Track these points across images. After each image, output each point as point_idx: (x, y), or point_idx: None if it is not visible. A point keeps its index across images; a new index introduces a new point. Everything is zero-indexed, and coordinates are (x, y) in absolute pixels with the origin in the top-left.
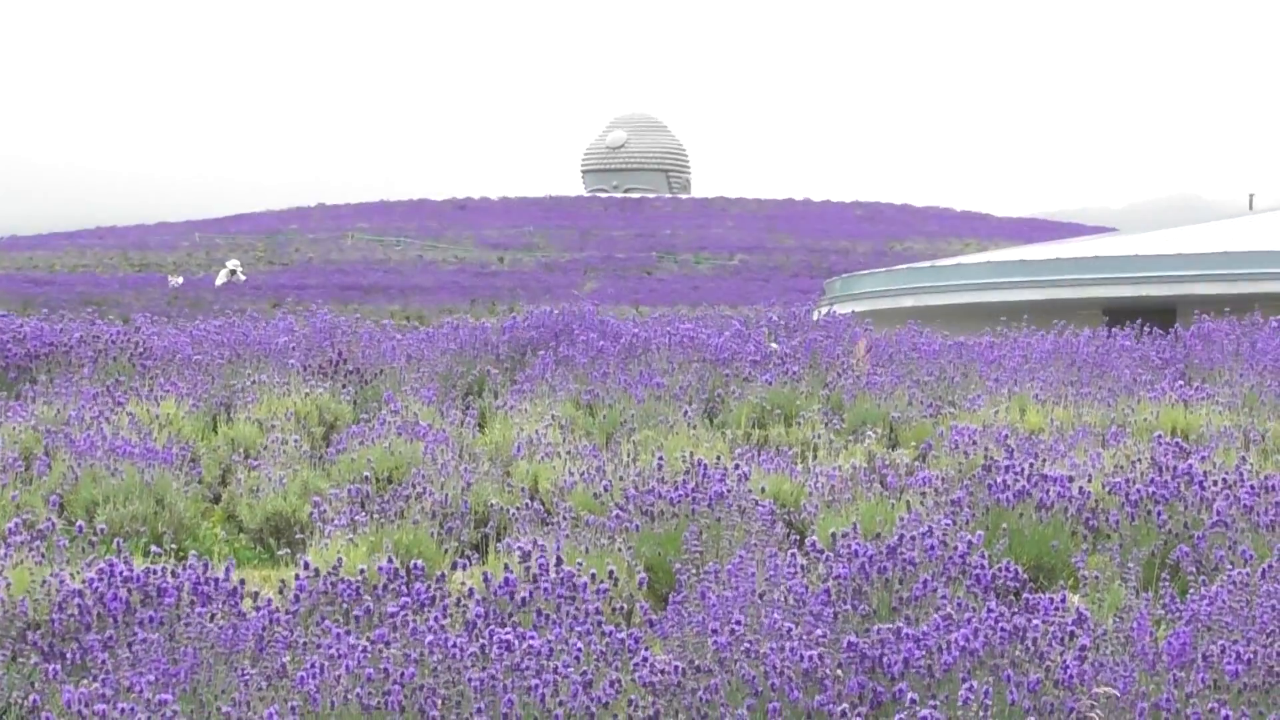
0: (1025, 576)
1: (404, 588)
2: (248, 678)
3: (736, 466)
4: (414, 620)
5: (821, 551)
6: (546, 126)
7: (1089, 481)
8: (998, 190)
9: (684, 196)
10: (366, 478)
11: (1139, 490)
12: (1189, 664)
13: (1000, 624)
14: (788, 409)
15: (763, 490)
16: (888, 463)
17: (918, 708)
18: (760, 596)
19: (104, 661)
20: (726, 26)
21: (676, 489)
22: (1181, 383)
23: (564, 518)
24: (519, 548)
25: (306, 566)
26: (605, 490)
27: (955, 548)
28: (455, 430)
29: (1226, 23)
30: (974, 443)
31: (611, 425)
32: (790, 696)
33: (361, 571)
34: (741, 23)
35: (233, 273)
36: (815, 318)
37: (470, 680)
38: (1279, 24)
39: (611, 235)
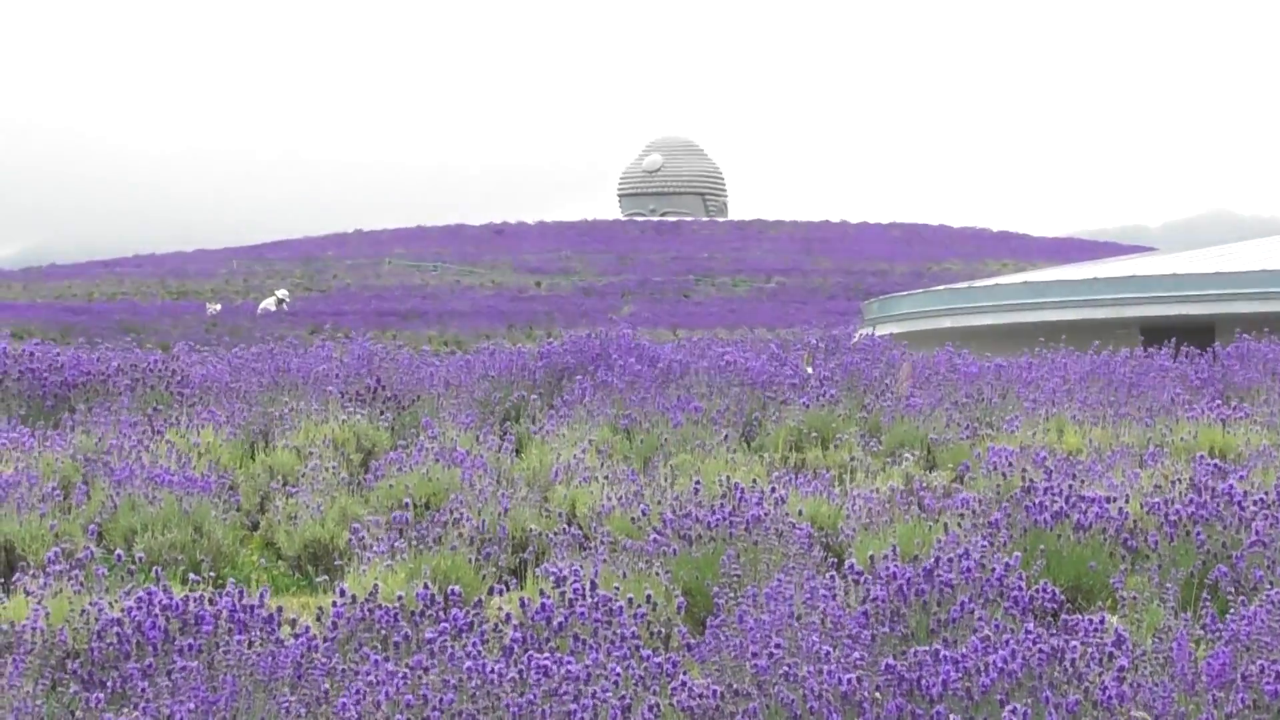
0: (1063, 598)
1: (442, 613)
2: (287, 705)
3: (774, 490)
4: (452, 646)
5: (860, 574)
6: (583, 151)
7: (1127, 502)
8: (1035, 210)
9: (721, 219)
10: (405, 504)
11: (1177, 510)
12: (1228, 684)
13: (1038, 645)
14: (825, 432)
15: (800, 513)
16: (925, 485)
17: None
18: (798, 620)
19: (144, 690)
20: (763, 49)
21: (714, 513)
22: (1220, 402)
23: (601, 542)
24: (555, 572)
25: (344, 593)
26: (643, 514)
27: (993, 569)
28: (493, 456)
29: (1260, 41)
30: (1011, 464)
31: (649, 449)
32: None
33: (399, 598)
34: (777, 45)
35: (280, 301)
36: (854, 339)
37: (508, 705)
38: None
39: (649, 259)
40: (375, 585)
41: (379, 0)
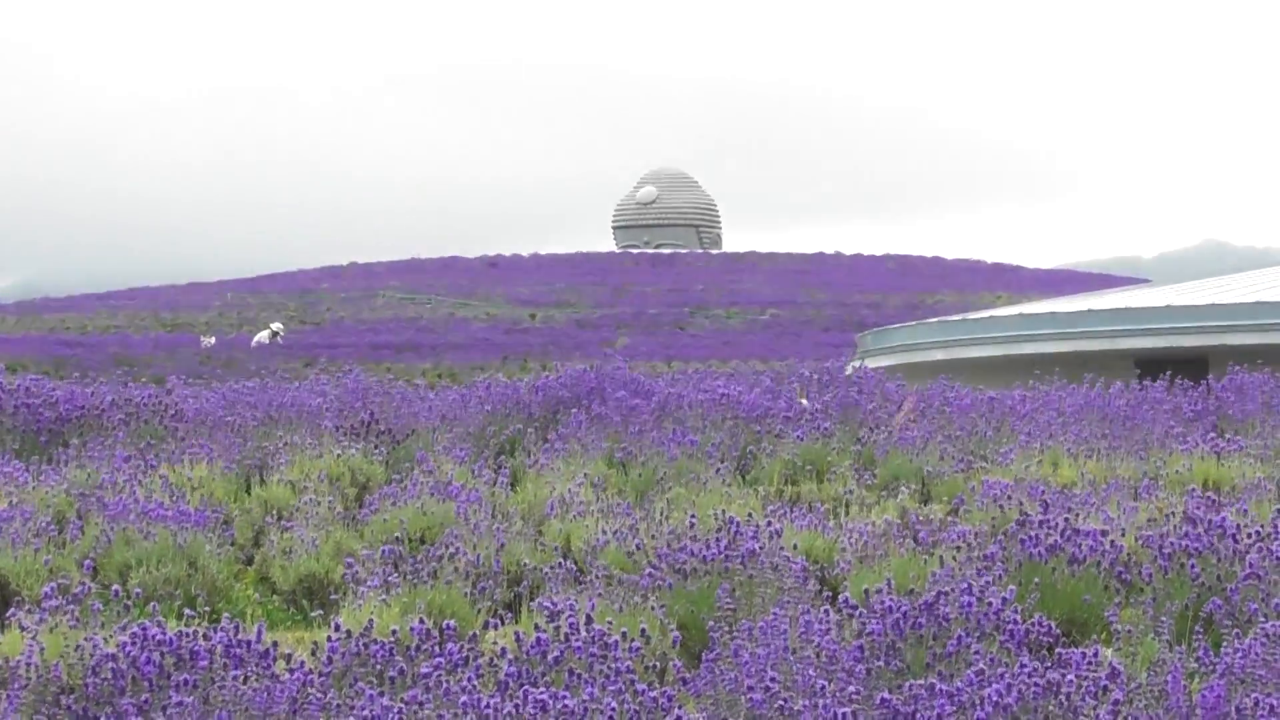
0: (1058, 631)
1: (437, 648)
2: None
3: (769, 523)
4: (447, 681)
5: (855, 608)
6: (577, 183)
7: (1121, 535)
8: (1029, 242)
9: (715, 252)
10: (399, 538)
11: (1172, 543)
12: (1223, 717)
13: (1034, 679)
14: (820, 465)
15: (795, 547)
16: (920, 518)
17: None
18: (793, 653)
19: None
20: (756, 81)
21: (709, 547)
22: (1214, 435)
23: (597, 576)
24: (550, 606)
25: (339, 628)
26: (638, 549)
27: (988, 603)
28: (488, 490)
29: (1254, 74)
30: (1007, 497)
31: (644, 483)
32: None
33: (394, 632)
34: (771, 78)
35: (274, 334)
36: (848, 371)
37: None
38: None
39: (643, 291)
40: (370, 620)
41: (373, 35)
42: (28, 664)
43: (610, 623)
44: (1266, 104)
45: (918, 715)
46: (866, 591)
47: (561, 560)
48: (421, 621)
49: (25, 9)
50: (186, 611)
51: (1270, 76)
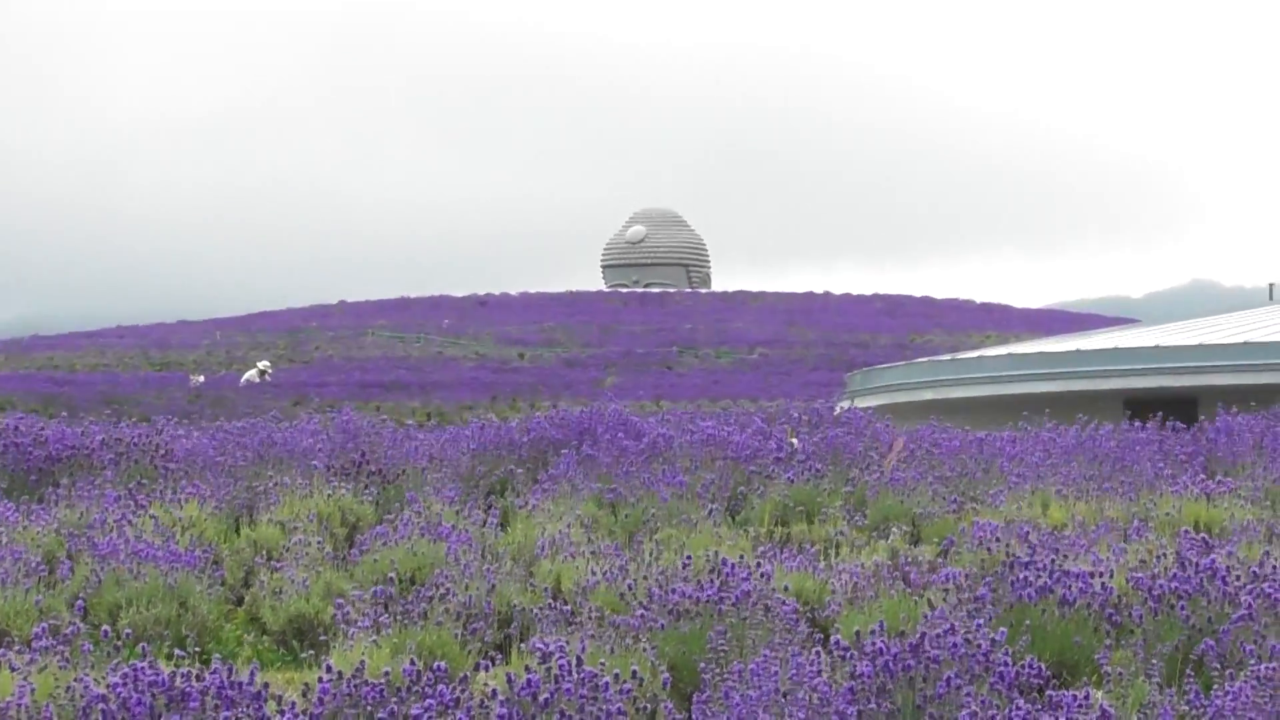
0: (1049, 673)
1: (428, 689)
2: None
3: (760, 565)
4: None
5: (846, 649)
6: (566, 222)
7: (1111, 577)
8: (1017, 281)
9: (704, 291)
10: (390, 579)
11: (1162, 585)
12: None
13: None
14: (810, 506)
15: (786, 589)
16: (910, 559)
17: None
18: (784, 696)
19: None
20: (745, 120)
21: (700, 588)
22: (1204, 476)
23: (588, 617)
24: (540, 648)
25: (330, 669)
26: (629, 589)
27: (979, 645)
28: (478, 530)
29: (1243, 111)
30: (996, 539)
31: (634, 524)
32: None
33: (386, 673)
34: (760, 117)
35: (263, 373)
36: (837, 412)
37: None
38: None
39: (632, 330)
40: (363, 661)
41: (360, 76)
42: (18, 705)
43: (603, 664)
44: (1255, 144)
45: None
46: (858, 633)
47: (552, 601)
48: (413, 663)
49: None
50: (177, 652)
51: (1257, 118)
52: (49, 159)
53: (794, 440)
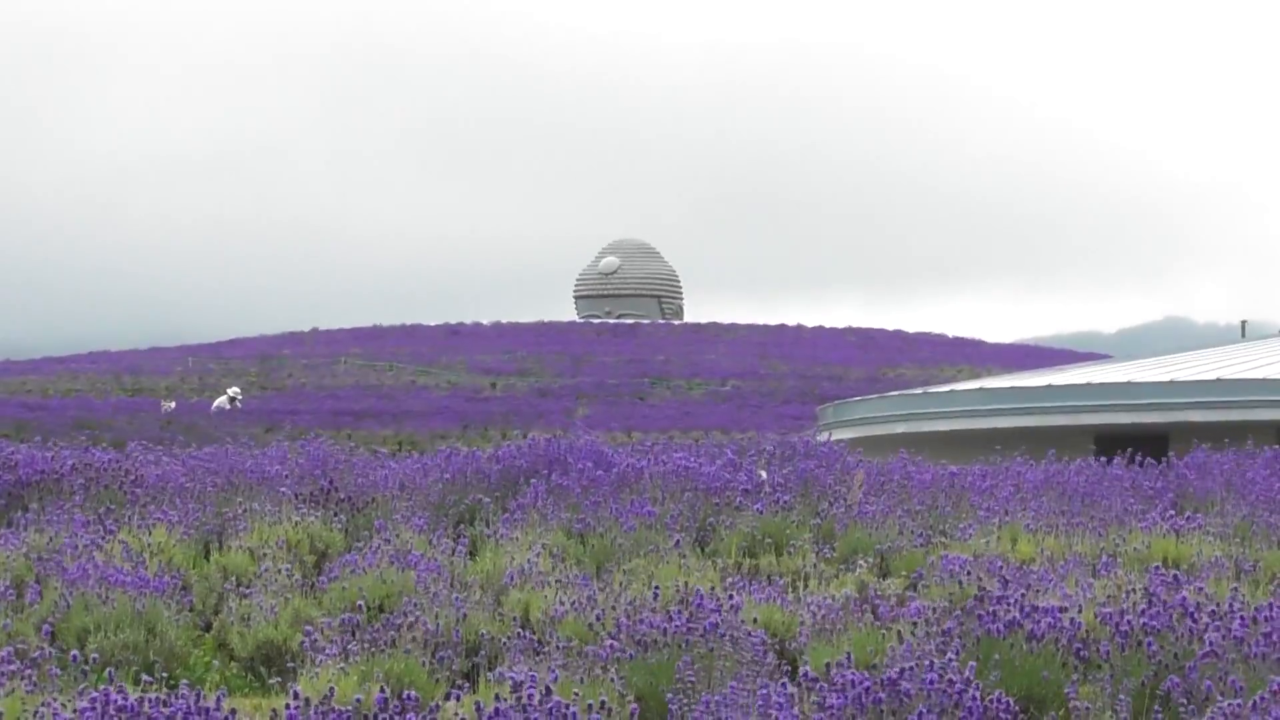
0: (1017, 708)
1: (395, 717)
2: None
3: (730, 596)
4: None
5: (815, 681)
6: (539, 252)
7: (1080, 612)
8: (990, 315)
9: (677, 322)
10: (359, 606)
11: (1129, 621)
12: None
13: None
14: (779, 538)
15: (754, 620)
16: (879, 592)
17: None
18: None
19: None
20: (718, 153)
21: (669, 619)
22: (1173, 512)
23: (556, 647)
24: (511, 677)
25: (297, 696)
26: (598, 620)
27: (949, 679)
28: (447, 559)
29: (1218, 147)
30: (966, 572)
31: (603, 554)
32: None
33: (358, 700)
34: (733, 149)
35: (233, 399)
36: (815, 443)
37: None
38: (1268, 151)
39: (604, 361)
40: (332, 688)
41: (331, 103)
42: None
43: (576, 695)
44: (1230, 182)
45: None
46: (828, 665)
47: (520, 630)
48: (383, 691)
49: None
50: (144, 678)
51: (1232, 155)
52: (29, 187)
53: (762, 473)
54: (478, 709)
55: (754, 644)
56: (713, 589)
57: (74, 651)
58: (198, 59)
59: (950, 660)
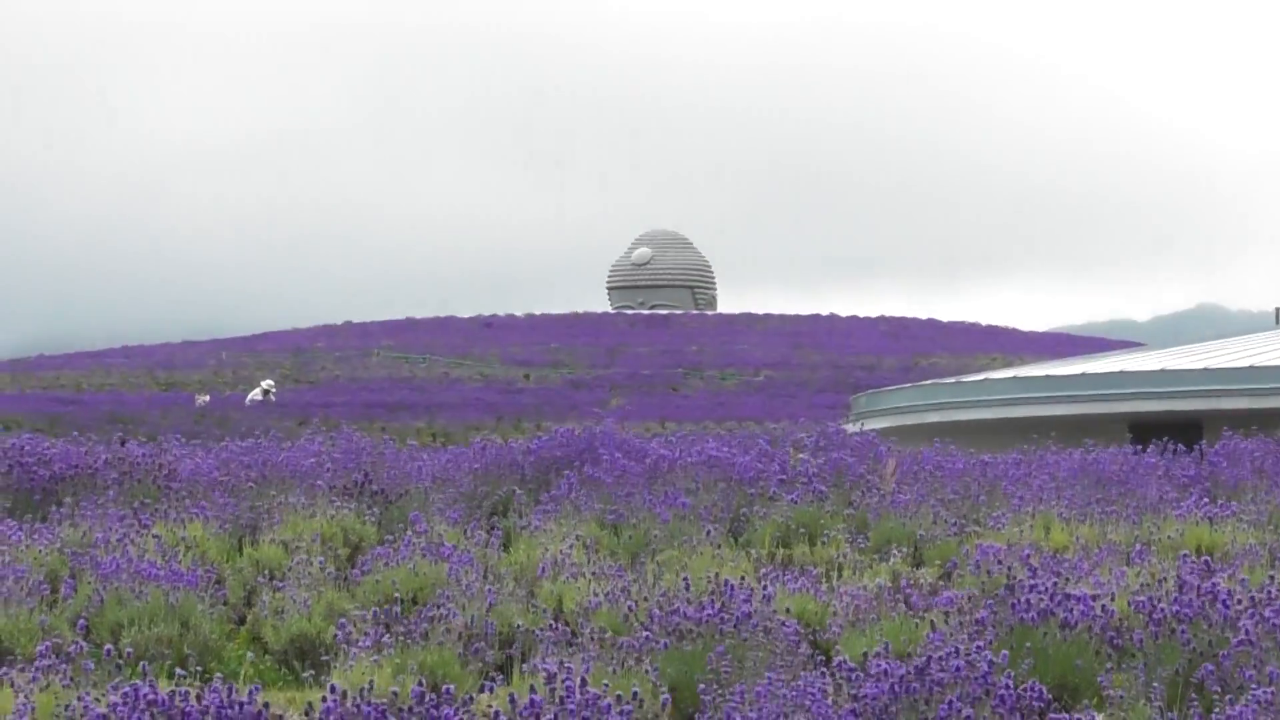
0: (1050, 696)
1: (431, 710)
2: None
3: (763, 586)
4: None
5: (852, 670)
6: (572, 244)
7: (1113, 600)
8: (1023, 304)
9: (710, 313)
10: (392, 599)
11: (1163, 609)
12: None
13: None
14: (812, 528)
15: (788, 610)
16: (912, 582)
17: None
18: (786, 717)
19: None
20: (751, 143)
21: (702, 609)
22: (1207, 500)
23: (590, 638)
24: (545, 669)
25: (334, 689)
26: (631, 610)
27: (981, 668)
28: (480, 551)
29: (1251, 135)
30: (998, 562)
31: (636, 545)
32: None
33: (394, 693)
34: (766, 139)
35: (266, 392)
36: (841, 434)
37: None
38: None
39: (637, 352)
40: (371, 681)
41: (362, 96)
42: None
43: (607, 685)
44: (1262, 169)
45: None
46: (865, 655)
47: (553, 622)
48: (420, 684)
49: None
50: (178, 671)
51: (1264, 143)
52: (68, 181)
53: (797, 462)
54: (512, 701)
55: (787, 634)
56: (744, 579)
57: (108, 646)
58: (239, 50)
59: (979, 648)
